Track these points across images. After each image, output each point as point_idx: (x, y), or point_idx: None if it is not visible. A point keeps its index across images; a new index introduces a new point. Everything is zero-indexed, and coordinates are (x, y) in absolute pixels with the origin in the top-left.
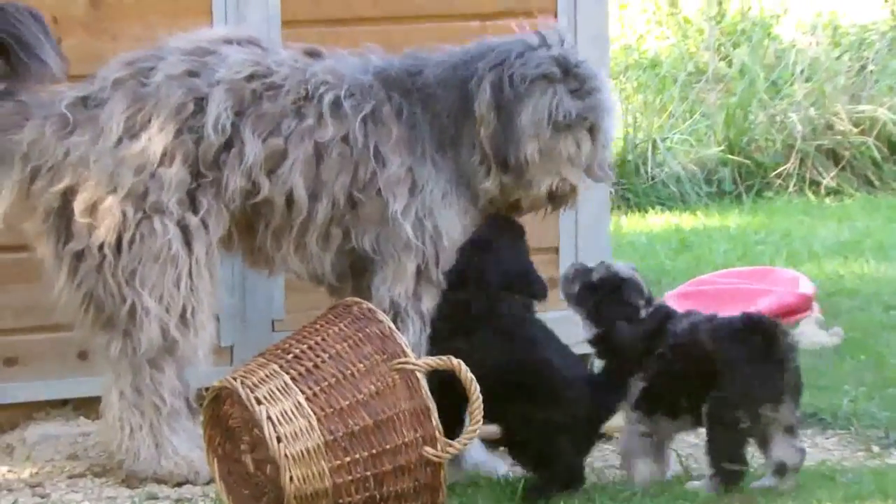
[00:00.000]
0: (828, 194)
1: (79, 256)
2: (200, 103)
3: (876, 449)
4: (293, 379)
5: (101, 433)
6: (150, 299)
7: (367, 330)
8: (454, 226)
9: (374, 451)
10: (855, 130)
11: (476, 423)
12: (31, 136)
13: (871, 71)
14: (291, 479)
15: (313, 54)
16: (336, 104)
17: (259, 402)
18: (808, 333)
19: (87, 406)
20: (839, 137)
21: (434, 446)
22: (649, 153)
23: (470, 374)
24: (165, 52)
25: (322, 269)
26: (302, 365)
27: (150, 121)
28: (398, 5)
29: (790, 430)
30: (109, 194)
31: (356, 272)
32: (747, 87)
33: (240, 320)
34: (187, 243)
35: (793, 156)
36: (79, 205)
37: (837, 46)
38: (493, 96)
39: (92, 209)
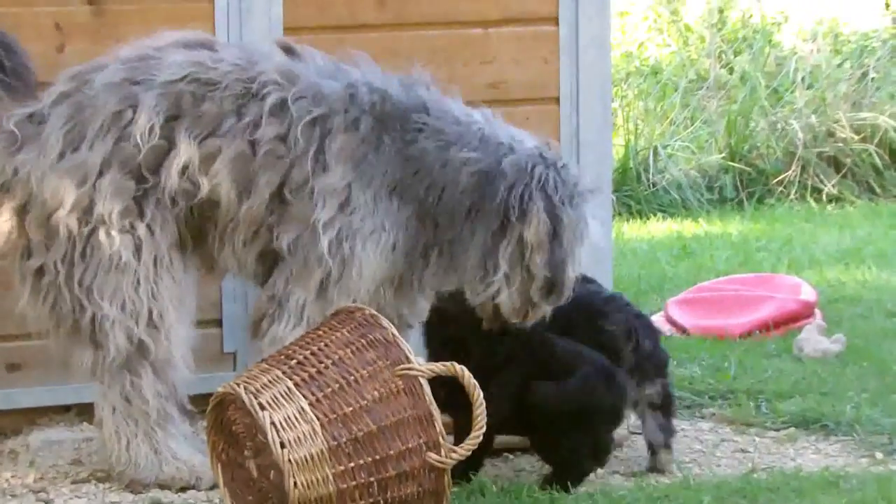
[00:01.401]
0: (829, 201)
1: (39, 272)
2: (138, 109)
3: (879, 455)
4: (296, 385)
5: (99, 446)
6: (111, 308)
7: (370, 336)
8: (370, 264)
9: (377, 457)
10: (856, 138)
11: (479, 429)
12: None
13: (873, 78)
14: (295, 484)
15: (288, 51)
16: (280, 105)
17: (262, 408)
18: (811, 340)
19: (90, 411)
20: (840, 145)
21: (438, 452)
22: (651, 160)
23: (473, 381)
24: (107, 61)
25: (247, 267)
26: (305, 371)
27: (87, 131)
28: (402, 12)
29: (657, 408)
30: (57, 209)
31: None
32: (748, 94)
33: (242, 327)
34: (137, 250)
35: (794, 163)
36: (30, 221)
37: (839, 54)
38: (549, 227)
39: (43, 225)
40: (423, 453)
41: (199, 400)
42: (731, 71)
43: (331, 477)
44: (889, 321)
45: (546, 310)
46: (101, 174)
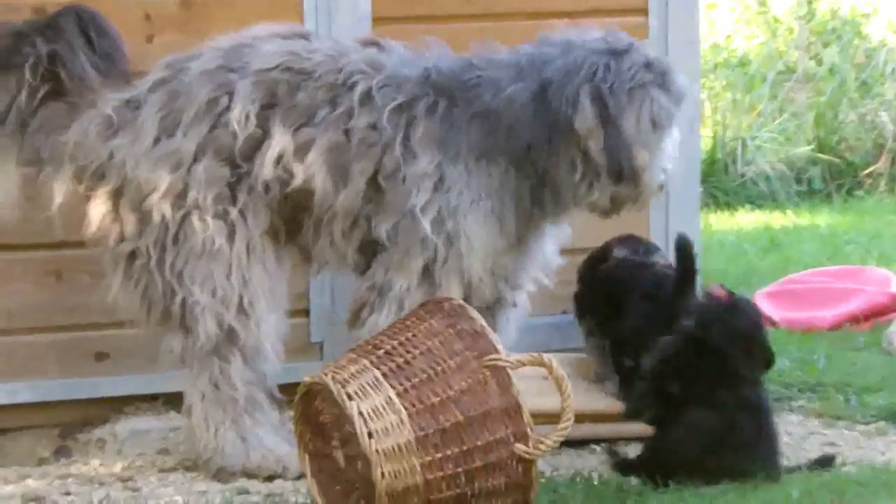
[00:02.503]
0: None
1: (131, 257)
2: (233, 97)
3: None
4: (384, 375)
5: (187, 435)
6: (201, 293)
7: (458, 327)
8: (478, 233)
9: (465, 448)
10: None
11: (567, 420)
12: (76, 136)
13: None
14: (383, 474)
15: (370, 45)
16: (367, 94)
17: (350, 398)
18: None
19: (178, 401)
20: None
21: (525, 443)
22: (738, 152)
23: (562, 372)
24: (204, 50)
25: (347, 259)
26: (393, 361)
27: (182, 118)
28: (490, 3)
29: None
30: (151, 194)
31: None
32: (837, 86)
33: (329, 317)
34: (230, 236)
35: (883, 155)
36: (124, 206)
37: None
38: (596, 111)
39: (137, 209)
40: (510, 444)
41: (286, 390)
42: (819, 63)
43: (418, 467)
44: None
45: (632, 198)
46: (195, 160)
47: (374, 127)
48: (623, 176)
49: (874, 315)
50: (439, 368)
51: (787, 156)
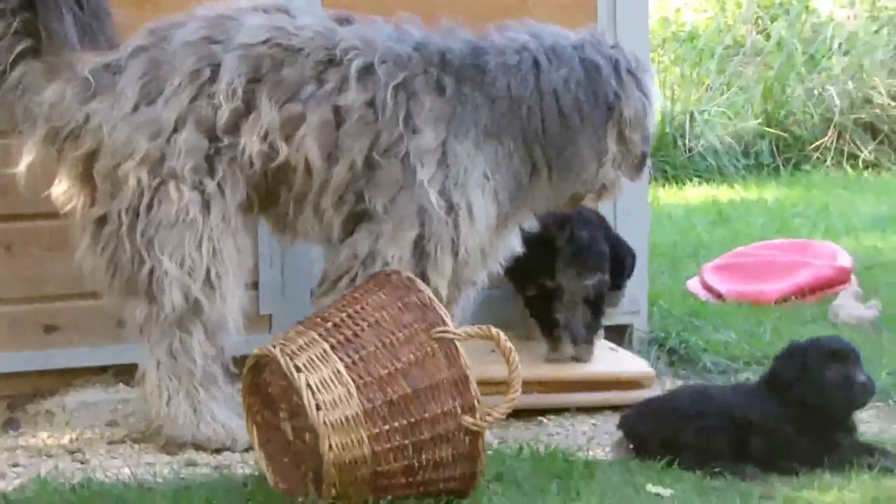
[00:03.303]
0: (866, 168)
1: (100, 222)
2: (217, 69)
3: None
4: (332, 347)
5: (138, 401)
6: (170, 263)
7: (407, 299)
8: (480, 210)
9: (412, 420)
10: (893, 104)
11: (514, 392)
12: (52, 97)
13: None
14: (330, 446)
15: (343, 20)
16: (366, 70)
17: (298, 370)
18: (846, 306)
19: (127, 373)
20: (877, 111)
21: (473, 415)
22: (687, 126)
23: (510, 345)
24: (187, 19)
25: (332, 231)
26: (341, 333)
27: (164, 87)
28: None
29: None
30: (126, 160)
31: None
32: (784, 60)
33: (279, 290)
34: (205, 208)
35: (831, 129)
36: (98, 171)
37: (876, 20)
38: (645, 100)
39: (111, 175)
40: (458, 416)
41: (235, 362)
42: (767, 37)
43: (366, 439)
44: None
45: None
46: (175, 130)
47: (370, 103)
48: (643, 165)
49: (821, 288)
50: (388, 341)
51: (735, 130)
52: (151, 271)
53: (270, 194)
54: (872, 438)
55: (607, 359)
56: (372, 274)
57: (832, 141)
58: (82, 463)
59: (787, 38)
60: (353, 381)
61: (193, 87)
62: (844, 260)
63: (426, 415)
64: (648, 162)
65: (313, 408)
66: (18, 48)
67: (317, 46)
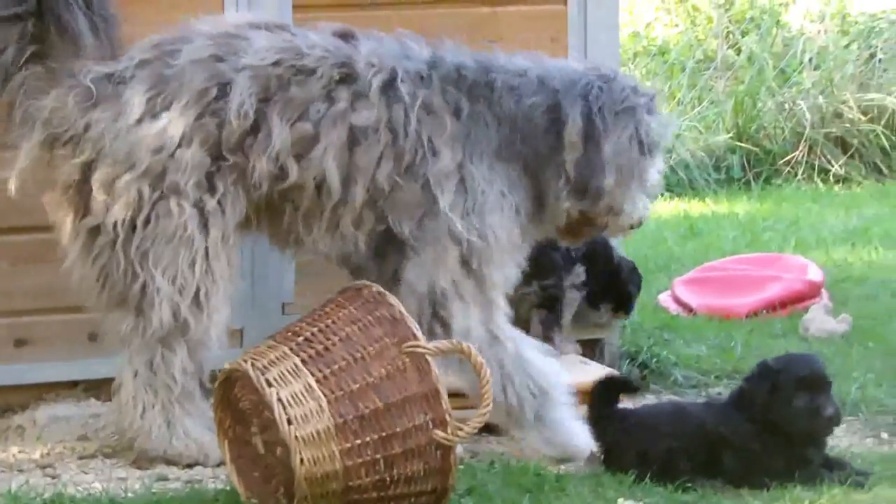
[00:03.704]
0: (836, 182)
1: (94, 232)
2: (224, 88)
3: (885, 435)
4: (303, 361)
5: (113, 411)
6: (162, 279)
7: (377, 313)
8: (502, 228)
9: (384, 434)
10: (863, 118)
11: (486, 406)
12: (54, 103)
13: (880, 60)
14: (302, 461)
15: (345, 36)
16: (387, 88)
17: (270, 385)
18: (817, 320)
19: (98, 388)
20: (848, 125)
21: (444, 429)
22: None
23: (481, 359)
24: (192, 35)
25: (353, 250)
26: (312, 348)
27: (171, 103)
28: None
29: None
30: (127, 172)
31: (381, 254)
32: (756, 74)
33: (250, 303)
34: (203, 226)
35: (801, 143)
36: (96, 181)
37: (846, 35)
38: (584, 126)
39: (109, 186)
40: (429, 431)
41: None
42: (738, 51)
43: (337, 454)
44: (895, 301)
45: (596, 226)
46: (179, 146)
47: (388, 123)
48: (587, 193)
49: (791, 302)
50: (359, 355)
51: (707, 144)
52: (143, 286)
53: (274, 212)
54: (843, 452)
55: (576, 371)
56: (342, 288)
57: (803, 155)
58: (53, 478)
59: (757, 52)
60: (325, 395)
61: (200, 105)
62: (815, 274)
63: (397, 429)
64: (599, 197)
65: (284, 422)
66: (27, 52)
67: (330, 65)
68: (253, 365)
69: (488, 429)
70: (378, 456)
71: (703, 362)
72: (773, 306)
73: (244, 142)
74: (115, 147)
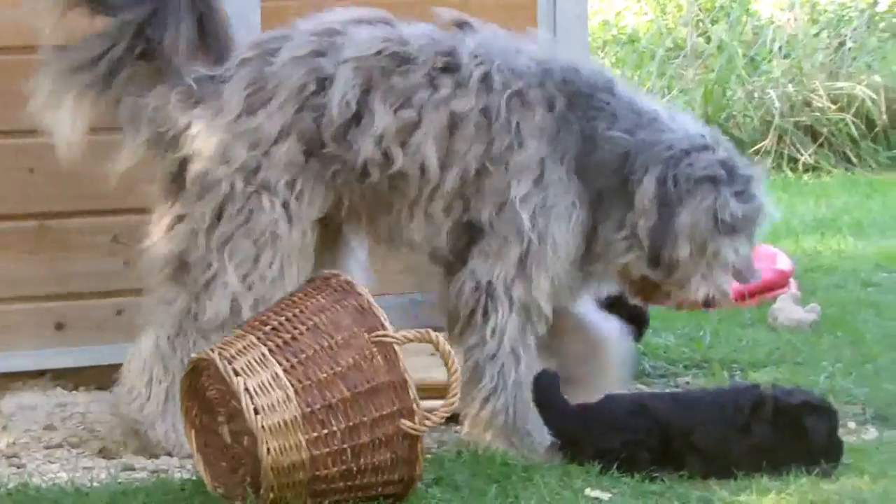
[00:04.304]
0: (806, 171)
1: (179, 218)
2: (323, 83)
3: (852, 425)
4: (271, 351)
5: (122, 377)
6: (234, 274)
7: (346, 302)
8: (563, 241)
9: (351, 424)
10: (833, 107)
11: (454, 396)
12: (156, 101)
13: (850, 48)
14: (269, 450)
15: (462, 24)
16: (483, 78)
17: (237, 374)
18: (786, 310)
19: (65, 377)
20: (817, 114)
21: (412, 419)
22: None
23: (448, 348)
24: (294, 33)
25: (438, 239)
26: (280, 337)
27: (270, 99)
28: None
29: None
30: (221, 166)
31: (458, 246)
32: (725, 63)
33: None
34: (288, 223)
35: (771, 132)
36: (190, 173)
37: (816, 23)
38: (657, 191)
39: (201, 179)
40: (396, 420)
41: None
42: (708, 40)
43: (304, 443)
44: (864, 291)
45: (665, 289)
46: (276, 142)
47: (485, 111)
48: (659, 262)
49: (760, 292)
50: (326, 344)
51: None
52: (214, 276)
53: (377, 202)
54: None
55: None
56: (310, 277)
57: (772, 144)
58: (18, 467)
59: (727, 41)
60: (292, 384)
61: (298, 100)
62: (784, 263)
63: (365, 419)
64: (673, 268)
65: (251, 412)
66: (137, 50)
67: (433, 53)
68: (220, 354)
69: (456, 419)
70: (345, 445)
71: (672, 352)
72: (743, 296)
73: (346, 133)
74: (211, 142)
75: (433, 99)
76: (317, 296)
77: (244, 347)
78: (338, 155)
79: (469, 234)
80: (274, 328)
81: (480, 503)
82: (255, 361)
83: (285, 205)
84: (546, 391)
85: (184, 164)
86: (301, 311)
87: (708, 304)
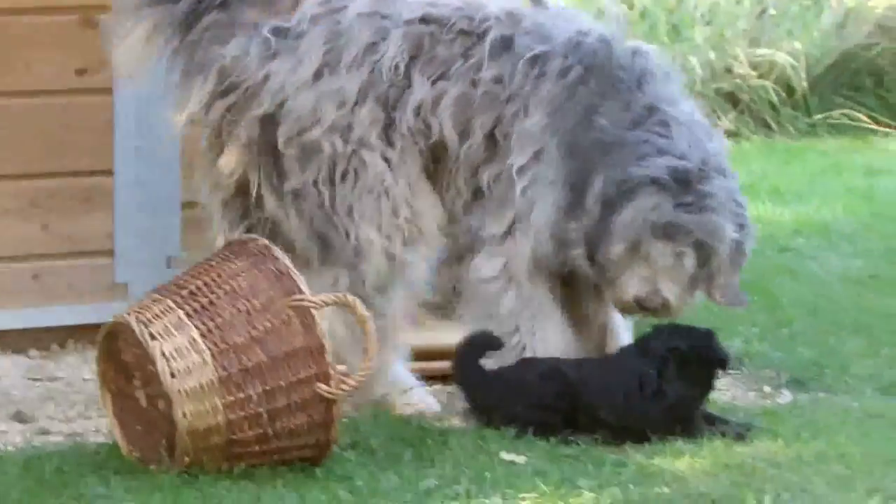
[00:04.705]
0: (726, 137)
1: (298, 195)
2: (386, 45)
3: (767, 389)
4: (188, 315)
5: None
6: (371, 230)
7: (263, 266)
8: (543, 215)
9: (267, 388)
10: (754, 74)
11: (371, 360)
12: (235, 51)
13: (771, 15)
14: (184, 414)
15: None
16: (500, 42)
17: (153, 338)
18: None
19: None
20: (738, 81)
21: (328, 383)
22: None
23: (366, 312)
24: None
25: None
26: (197, 301)
27: (343, 57)
28: None
29: None
30: (314, 126)
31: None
32: (648, 30)
33: (135, 258)
34: (394, 174)
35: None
36: (282, 135)
37: None
38: (603, 191)
39: (295, 140)
40: (313, 384)
41: (91, 330)
42: (631, 6)
43: (220, 407)
44: (780, 256)
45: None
46: (357, 102)
47: (499, 79)
48: (595, 260)
49: None
50: (244, 308)
51: None
52: (357, 240)
53: (434, 174)
54: (726, 406)
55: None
56: (228, 241)
57: None
58: None
59: (650, 8)
60: (209, 348)
61: (370, 62)
62: None
63: (281, 383)
64: (620, 284)
65: (167, 375)
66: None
67: (461, 17)
68: (137, 318)
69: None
70: (261, 409)
71: None
72: None
73: (400, 98)
74: (297, 101)
75: (461, 69)
76: (234, 260)
77: (161, 311)
78: (398, 118)
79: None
80: (191, 292)
81: (396, 467)
82: (172, 325)
83: (384, 158)
84: (463, 358)
85: (267, 124)
86: (218, 276)
87: (641, 305)
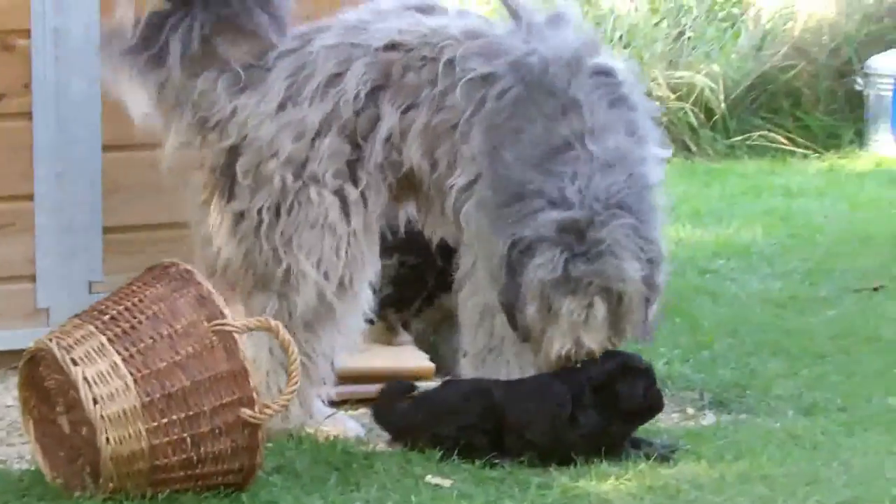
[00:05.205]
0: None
1: (239, 217)
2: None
3: (690, 410)
4: (109, 340)
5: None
6: (307, 264)
7: (185, 291)
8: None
9: (191, 413)
10: (672, 96)
11: (294, 384)
12: (203, 85)
13: (689, 38)
14: (108, 440)
15: (424, 10)
16: (448, 64)
17: (75, 364)
18: None
19: None
20: (657, 103)
21: (252, 408)
22: None
23: (288, 336)
24: (332, 23)
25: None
26: (119, 326)
27: (307, 89)
28: None
29: None
30: (270, 159)
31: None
32: None
33: (57, 282)
34: (345, 214)
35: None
36: (241, 166)
37: (656, 13)
38: (507, 253)
39: (253, 172)
40: (237, 409)
41: (11, 356)
42: None
43: (143, 432)
44: (701, 278)
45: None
46: (318, 134)
47: (452, 104)
48: (517, 326)
49: None
50: (166, 333)
51: None
52: (288, 270)
53: (403, 198)
54: (649, 427)
55: (388, 354)
56: (150, 266)
57: None
58: None
59: None
60: (131, 374)
61: (335, 92)
62: None
63: (205, 408)
64: (524, 321)
65: (90, 401)
66: (189, 34)
67: (424, 44)
68: (58, 344)
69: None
70: (185, 434)
71: None
72: None
73: (370, 130)
74: (258, 133)
75: (427, 97)
76: (156, 284)
77: (82, 337)
78: (368, 151)
79: None
80: (113, 317)
81: (321, 490)
82: (94, 351)
83: (338, 194)
84: (380, 406)
85: (232, 153)
86: (140, 300)
87: (571, 360)
